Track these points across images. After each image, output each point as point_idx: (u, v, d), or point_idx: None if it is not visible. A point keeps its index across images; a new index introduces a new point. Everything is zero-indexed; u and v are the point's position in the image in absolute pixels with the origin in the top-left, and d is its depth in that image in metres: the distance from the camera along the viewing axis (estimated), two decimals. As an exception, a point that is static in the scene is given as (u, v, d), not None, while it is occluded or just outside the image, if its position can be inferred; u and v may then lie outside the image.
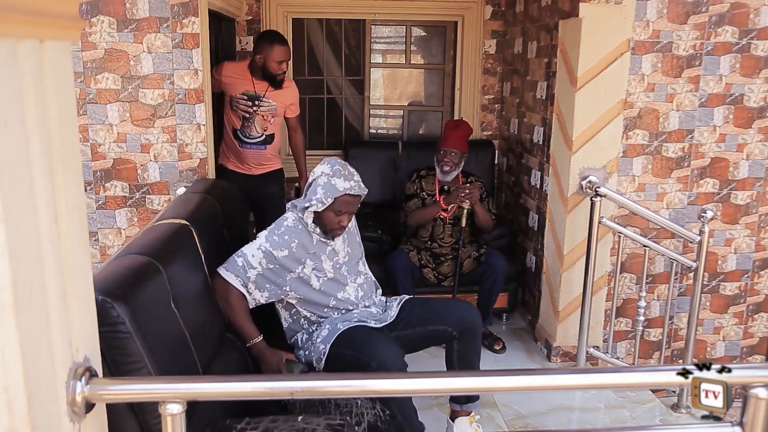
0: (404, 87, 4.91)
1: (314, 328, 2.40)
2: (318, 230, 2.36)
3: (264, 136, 3.52)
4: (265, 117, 3.48)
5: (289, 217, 2.37)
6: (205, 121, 2.99)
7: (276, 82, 3.42)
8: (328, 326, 2.36)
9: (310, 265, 2.35)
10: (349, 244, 2.49)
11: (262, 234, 2.33)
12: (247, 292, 2.27)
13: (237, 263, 2.27)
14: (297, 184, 3.89)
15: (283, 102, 3.53)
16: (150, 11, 2.86)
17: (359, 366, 2.16)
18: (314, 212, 2.33)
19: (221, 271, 2.26)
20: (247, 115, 3.45)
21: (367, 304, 2.50)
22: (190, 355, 1.86)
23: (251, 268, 2.26)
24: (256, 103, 3.44)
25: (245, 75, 3.43)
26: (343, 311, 2.43)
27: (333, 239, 2.40)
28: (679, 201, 3.46)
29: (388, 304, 2.54)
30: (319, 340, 2.33)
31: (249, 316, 2.30)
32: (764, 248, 3.60)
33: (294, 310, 2.42)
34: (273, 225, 2.36)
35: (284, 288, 2.33)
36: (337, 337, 2.29)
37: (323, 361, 2.29)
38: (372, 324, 2.39)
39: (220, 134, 3.58)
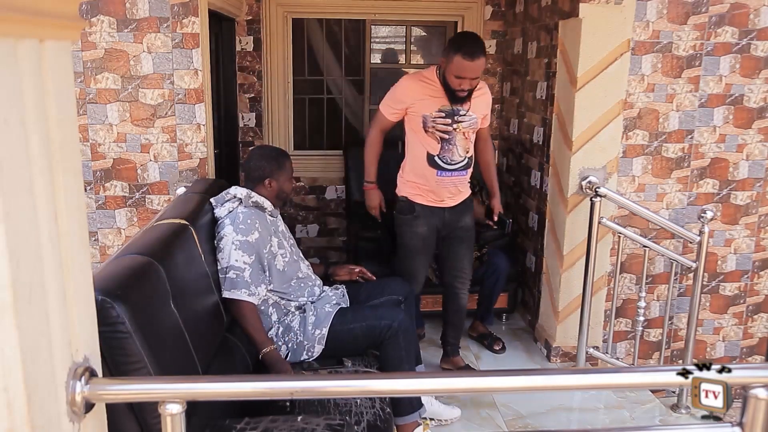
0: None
1: (289, 319, 2.43)
2: (267, 208, 2.45)
3: (466, 159, 2.91)
4: (466, 135, 2.88)
5: (238, 209, 2.38)
6: (205, 121, 2.99)
7: (455, 98, 2.79)
8: (311, 312, 2.43)
9: (275, 242, 2.43)
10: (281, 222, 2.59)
11: (228, 238, 2.30)
12: (255, 295, 2.30)
13: (231, 278, 2.27)
14: (489, 204, 3.26)
15: (482, 112, 2.94)
16: (150, 11, 2.86)
17: (374, 333, 2.37)
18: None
19: (228, 294, 2.26)
20: (447, 136, 2.84)
21: (322, 288, 2.61)
22: (190, 355, 1.86)
23: (243, 271, 2.28)
24: (456, 119, 2.84)
25: (437, 88, 2.82)
26: (308, 291, 2.52)
27: (278, 214, 2.56)
28: (679, 201, 3.46)
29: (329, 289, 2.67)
30: (310, 328, 2.38)
31: (261, 323, 2.34)
32: (764, 248, 3.60)
33: (264, 299, 2.42)
34: (227, 222, 2.33)
35: (266, 274, 2.37)
36: (333, 317, 2.41)
37: (323, 344, 2.37)
38: (343, 305, 2.55)
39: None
